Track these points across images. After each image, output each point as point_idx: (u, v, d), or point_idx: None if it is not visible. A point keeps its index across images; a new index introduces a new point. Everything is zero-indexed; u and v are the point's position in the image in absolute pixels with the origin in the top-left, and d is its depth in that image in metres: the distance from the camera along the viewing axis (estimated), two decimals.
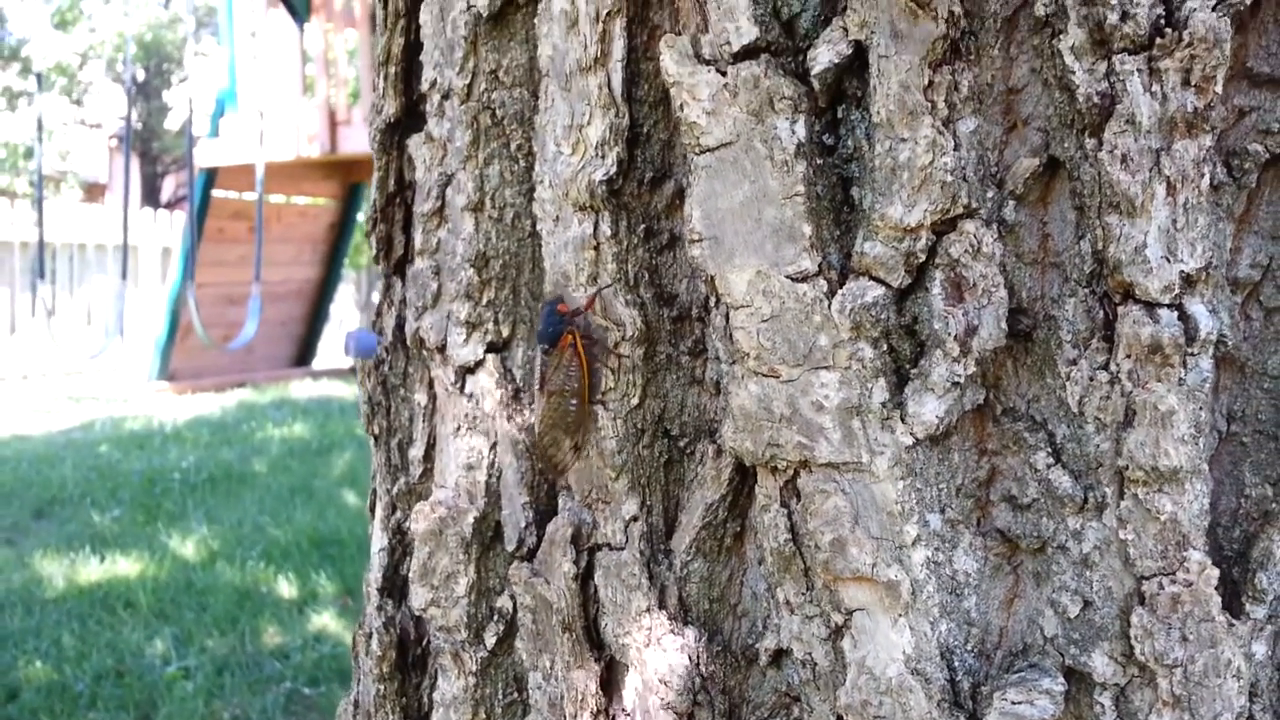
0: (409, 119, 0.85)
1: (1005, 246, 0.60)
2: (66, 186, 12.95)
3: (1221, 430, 0.63)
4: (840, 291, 0.61)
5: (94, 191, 14.24)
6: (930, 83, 0.58)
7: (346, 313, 11.25)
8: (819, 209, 0.62)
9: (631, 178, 0.69)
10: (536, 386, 0.72)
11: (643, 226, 0.69)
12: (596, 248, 0.69)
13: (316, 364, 8.95)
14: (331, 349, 9.71)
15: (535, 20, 0.72)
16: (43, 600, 3.24)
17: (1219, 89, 0.55)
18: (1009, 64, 0.59)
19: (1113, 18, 0.55)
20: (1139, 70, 0.55)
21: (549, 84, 0.71)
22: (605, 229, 0.68)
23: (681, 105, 0.63)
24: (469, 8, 0.75)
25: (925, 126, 0.58)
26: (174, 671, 2.66)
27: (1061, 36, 0.56)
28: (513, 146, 0.76)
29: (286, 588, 3.35)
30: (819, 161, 0.62)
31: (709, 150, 0.63)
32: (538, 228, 0.74)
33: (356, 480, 4.95)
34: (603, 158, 0.68)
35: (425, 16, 0.79)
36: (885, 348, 0.62)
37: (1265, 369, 0.62)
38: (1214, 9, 0.55)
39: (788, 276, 0.62)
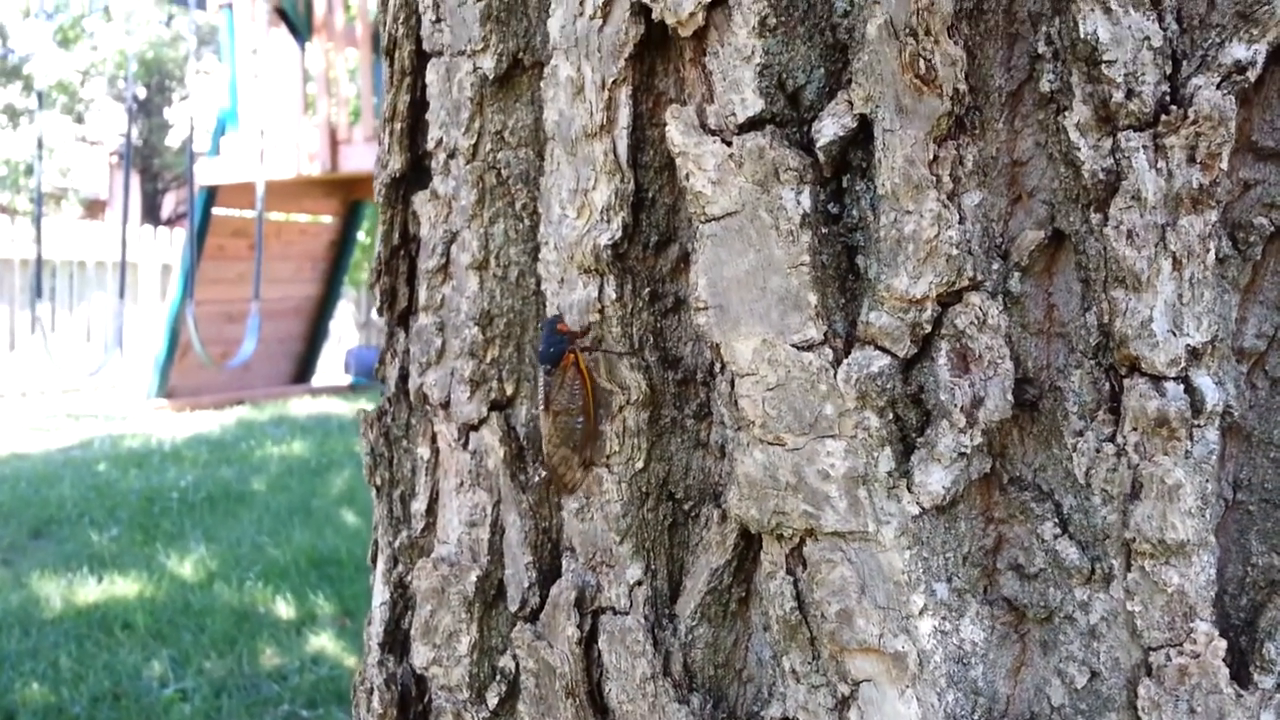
0: (414, 173, 0.85)
1: (1011, 318, 0.60)
2: (67, 203, 12.97)
3: (1228, 498, 0.63)
4: (846, 361, 0.61)
5: (95, 208, 14.27)
6: (935, 157, 0.58)
7: (346, 330, 11.26)
8: (824, 278, 0.62)
9: (636, 242, 0.69)
10: (541, 407, 0.72)
11: (647, 290, 0.69)
12: (601, 311, 0.69)
13: (316, 381, 8.95)
14: (331, 366, 9.71)
15: (541, 84, 0.73)
16: (40, 621, 3.22)
17: (1224, 165, 0.56)
18: (1014, 137, 0.60)
19: (1118, 95, 0.55)
20: (1144, 147, 0.55)
21: (554, 147, 0.71)
22: (610, 293, 0.69)
23: (687, 175, 0.63)
24: (475, 70, 0.75)
25: (930, 200, 0.58)
26: (171, 694, 2.65)
27: (1066, 113, 0.57)
28: (518, 206, 0.76)
29: (284, 608, 3.34)
30: (824, 230, 0.63)
31: (714, 219, 0.63)
32: (542, 287, 0.74)
33: (355, 499, 4.94)
34: (608, 222, 0.68)
35: (431, 76, 0.79)
36: (891, 416, 0.61)
37: (1271, 438, 0.62)
38: (1219, 87, 0.55)
39: (793, 345, 0.62)
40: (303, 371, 8.86)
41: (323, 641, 3.05)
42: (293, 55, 7.30)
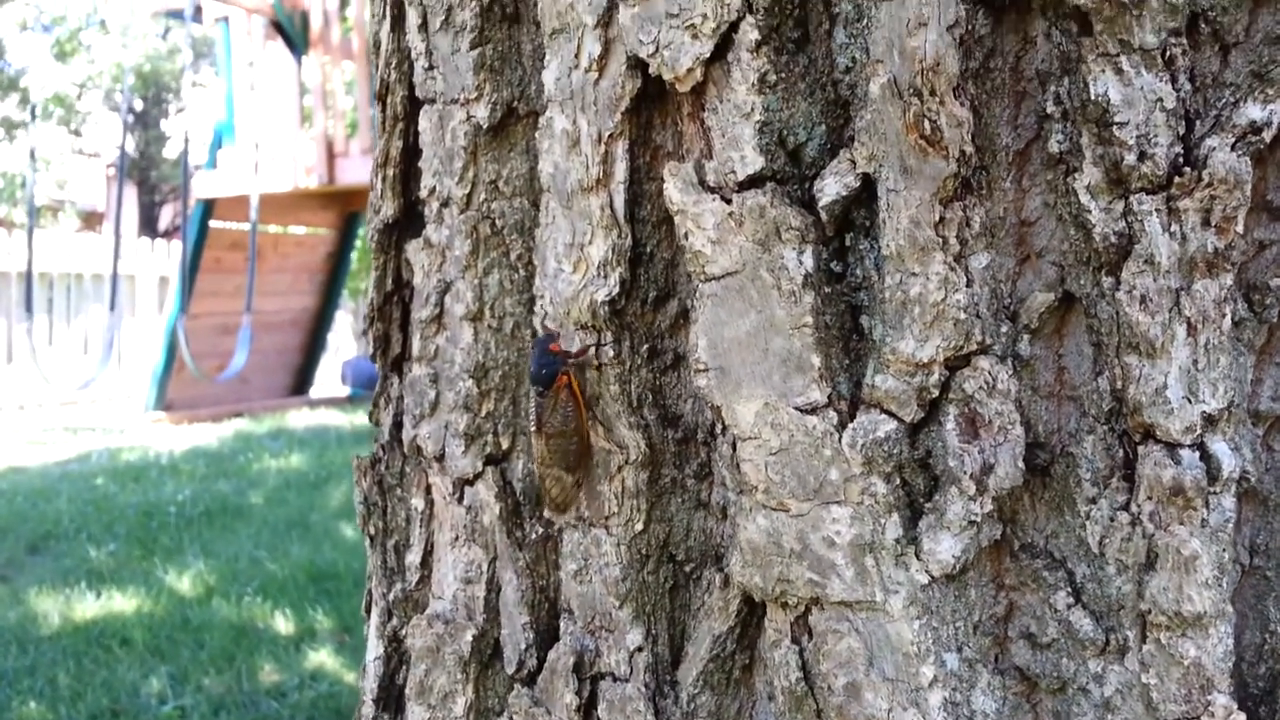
0: (407, 219, 0.84)
1: (1021, 381, 0.59)
2: (64, 215, 12.95)
3: (1244, 563, 0.61)
4: (851, 425, 0.59)
5: (92, 220, 14.25)
6: (941, 219, 0.56)
7: (344, 341, 11.22)
8: (828, 338, 0.60)
9: (634, 297, 0.67)
10: (533, 428, 0.70)
11: (646, 346, 0.67)
12: (599, 368, 0.67)
13: (313, 393, 8.91)
14: (329, 377, 9.68)
15: (536, 134, 0.71)
16: (38, 638, 3.20)
17: (1240, 229, 0.54)
18: (1021, 196, 0.58)
19: (1130, 158, 0.53)
20: (1157, 210, 0.54)
21: (549, 200, 0.70)
22: (608, 350, 0.67)
23: (686, 234, 0.62)
24: (469, 118, 0.73)
25: (937, 263, 0.56)
26: (170, 711, 2.63)
27: (1076, 174, 0.55)
28: (512, 256, 0.74)
29: (283, 624, 3.31)
30: (827, 290, 0.61)
31: (714, 279, 0.62)
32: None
33: (353, 513, 4.90)
34: (605, 278, 0.66)
35: (425, 124, 0.77)
36: (898, 482, 0.60)
37: None
38: (1233, 148, 0.53)
39: (796, 408, 0.60)
40: (300, 383, 8.83)
41: (321, 657, 3.03)
42: (289, 68, 7.30)
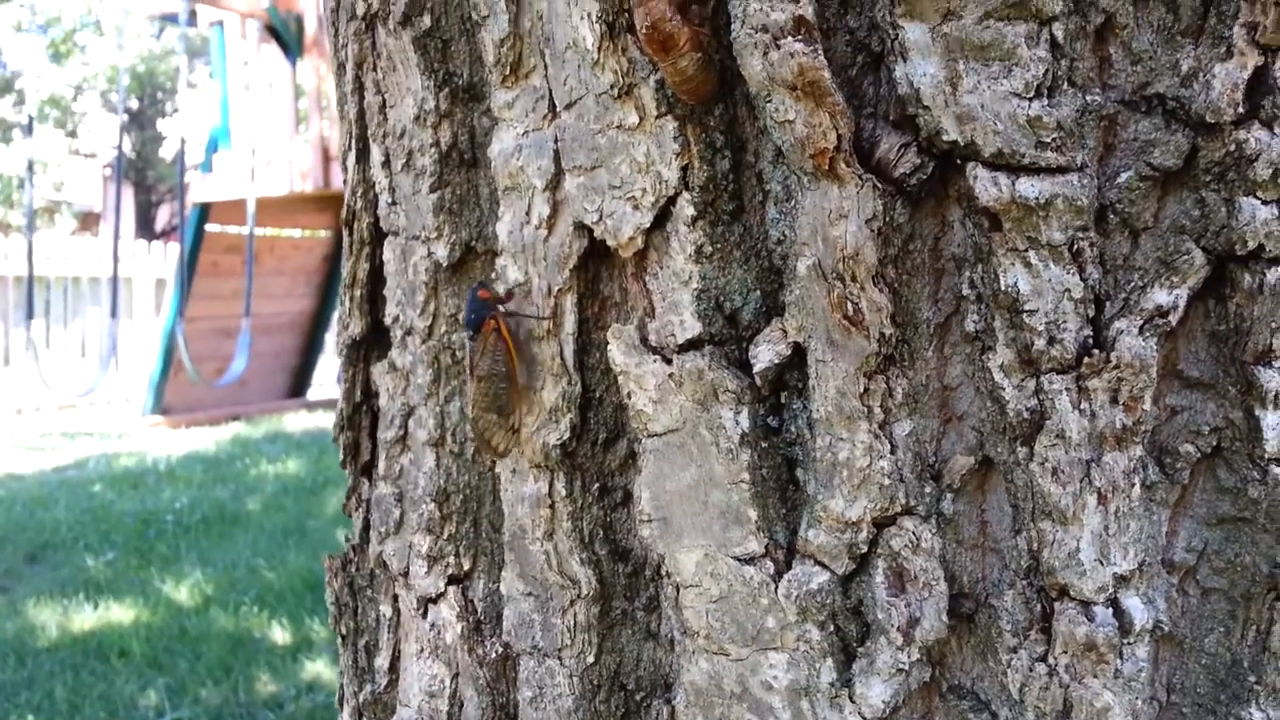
0: (374, 335, 0.87)
1: (945, 537, 0.62)
2: (61, 217, 12.96)
3: (1161, 700, 0.64)
4: (786, 576, 0.63)
5: (89, 220, 14.27)
6: (866, 389, 0.59)
7: None
8: (764, 491, 0.64)
9: (585, 439, 0.70)
10: (467, 372, 0.73)
11: (596, 485, 0.71)
12: (552, 506, 0.70)
13: (311, 395, 8.96)
14: (326, 378, 9.71)
15: (493, 273, 0.74)
16: (35, 650, 3.24)
17: (1147, 407, 0.57)
18: (943, 364, 0.61)
19: (1040, 343, 0.56)
20: (1067, 389, 0.57)
21: None
22: (560, 489, 0.70)
23: (629, 394, 0.65)
24: (429, 255, 0.76)
25: (862, 431, 0.60)
26: None
27: (990, 353, 0.58)
28: None
29: (280, 634, 3.35)
30: (763, 445, 0.64)
31: (657, 435, 0.65)
32: (496, 469, 0.76)
33: (349, 520, 4.94)
34: (556, 423, 0.69)
35: (389, 254, 0.80)
36: (832, 629, 0.63)
37: (1203, 645, 0.63)
38: (1141, 331, 0.56)
39: (735, 558, 0.64)
40: (298, 386, 8.87)
41: (318, 668, 3.07)
42: (284, 72, 7.30)
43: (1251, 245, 0.54)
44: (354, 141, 0.83)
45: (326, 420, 8.00)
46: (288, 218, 8.09)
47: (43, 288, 9.09)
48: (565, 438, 0.69)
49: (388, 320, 0.82)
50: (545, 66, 0.66)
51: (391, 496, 0.81)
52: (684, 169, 0.62)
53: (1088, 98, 0.55)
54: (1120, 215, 0.57)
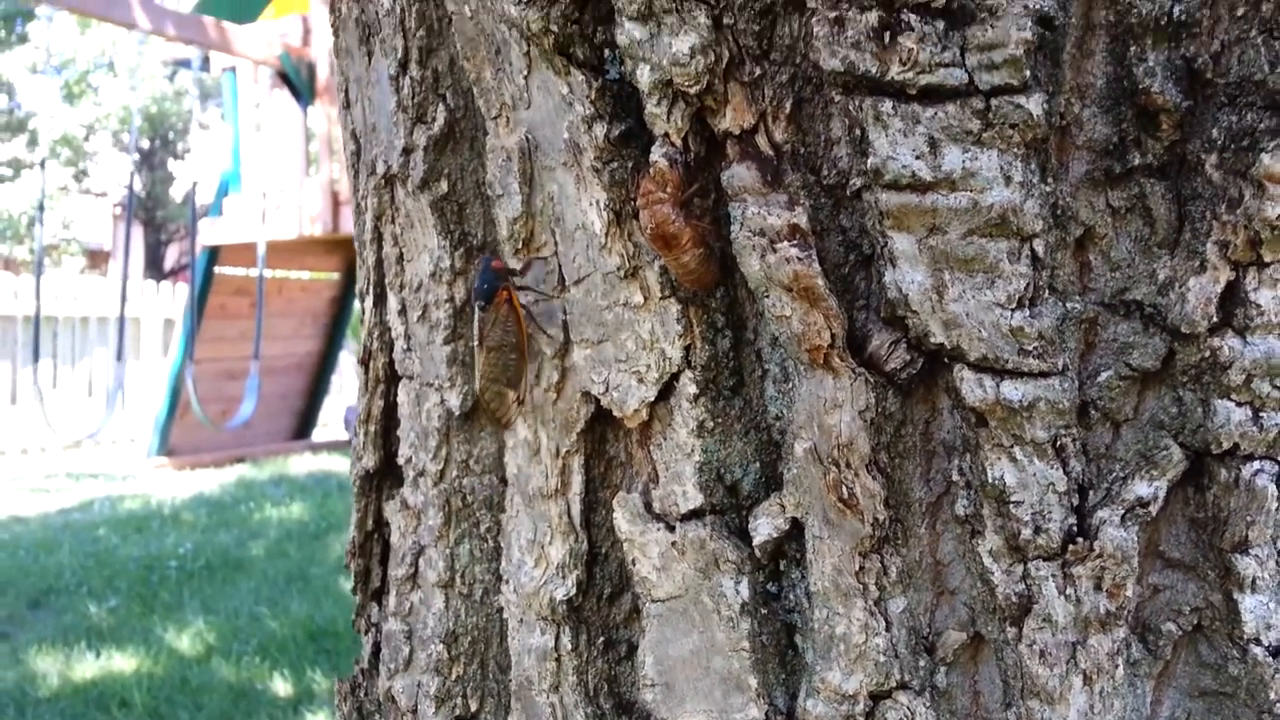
0: (387, 468, 0.89)
1: (939, 708, 0.64)
2: (67, 255, 13.09)
3: None
4: None
5: (98, 258, 14.40)
6: (861, 568, 0.62)
7: (347, 381, 11.30)
8: (765, 657, 0.66)
9: (591, 594, 0.73)
10: (476, 343, 0.73)
11: (602, 639, 0.73)
12: (558, 659, 0.73)
13: (316, 436, 8.98)
14: (333, 418, 9.74)
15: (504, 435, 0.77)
16: (36, 700, 3.23)
17: (1130, 593, 0.59)
18: (935, 540, 0.64)
19: (1026, 532, 0.59)
20: (1053, 575, 0.59)
21: (513, 494, 0.76)
22: (566, 643, 0.72)
23: (633, 560, 0.67)
24: (442, 402, 0.79)
25: (858, 609, 0.62)
26: None
27: (979, 538, 0.61)
28: (482, 528, 0.80)
29: (281, 685, 3.34)
30: (764, 612, 0.66)
31: (660, 601, 0.67)
32: (504, 615, 0.78)
33: (350, 574, 4.93)
34: (563, 578, 0.72)
35: (403, 396, 0.83)
36: None
37: None
38: (1122, 521, 0.59)
39: None
40: (303, 427, 8.90)
41: None
42: (295, 117, 7.41)
43: (1226, 445, 0.57)
44: (371, 286, 0.86)
45: (331, 462, 8.02)
46: (296, 260, 8.17)
47: (50, 327, 9.16)
48: (572, 594, 0.71)
49: (401, 460, 0.84)
50: (556, 243, 0.70)
51: (401, 634, 0.84)
52: (686, 348, 0.65)
53: (1068, 304, 0.58)
54: (1101, 410, 0.59)
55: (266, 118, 7.43)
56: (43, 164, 7.44)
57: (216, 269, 7.63)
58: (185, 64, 8.36)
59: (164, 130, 14.05)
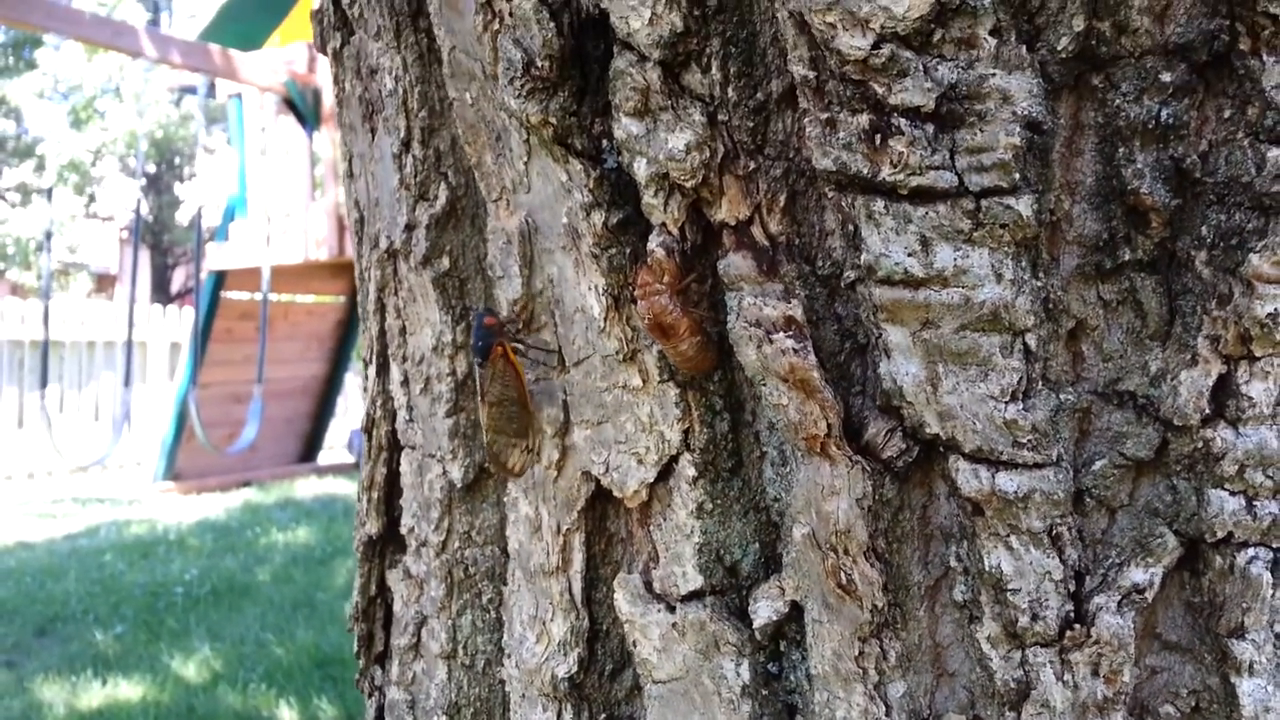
0: (390, 534, 0.90)
1: None
2: (75, 282, 13.15)
3: None
4: None
5: (104, 282, 14.48)
6: (860, 653, 0.62)
7: (353, 403, 11.32)
8: None
9: (593, 671, 0.73)
10: (478, 398, 0.74)
11: (603, 715, 0.73)
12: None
13: (322, 459, 8.98)
14: (338, 440, 9.75)
15: (504, 498, 0.78)
16: None
17: (1127, 678, 0.60)
18: (934, 622, 0.64)
19: (1024, 619, 0.59)
20: (1051, 662, 0.60)
21: (515, 568, 0.76)
22: (568, 719, 0.73)
23: (634, 642, 0.68)
24: (444, 473, 0.80)
25: (858, 694, 0.62)
26: None
27: (977, 624, 0.61)
28: (484, 599, 0.81)
29: (287, 713, 3.33)
30: (764, 692, 0.67)
31: (660, 682, 0.68)
32: (507, 689, 0.79)
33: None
34: (565, 655, 0.72)
35: (405, 466, 0.84)
36: None
37: None
38: (1119, 607, 0.59)
39: None
40: (309, 450, 8.90)
41: None
42: (300, 143, 7.46)
43: (1221, 534, 0.58)
44: (375, 355, 0.87)
45: (337, 486, 8.02)
46: (302, 284, 8.21)
47: (57, 352, 9.20)
48: (574, 671, 0.72)
49: (403, 530, 0.85)
50: (556, 324, 0.70)
51: (404, 703, 0.84)
52: (685, 431, 0.66)
53: (1062, 395, 0.58)
54: (1096, 498, 0.60)
55: (272, 143, 7.48)
56: (49, 193, 7.50)
57: (222, 293, 7.67)
58: (191, 90, 8.43)
59: (170, 155, 14.15)
